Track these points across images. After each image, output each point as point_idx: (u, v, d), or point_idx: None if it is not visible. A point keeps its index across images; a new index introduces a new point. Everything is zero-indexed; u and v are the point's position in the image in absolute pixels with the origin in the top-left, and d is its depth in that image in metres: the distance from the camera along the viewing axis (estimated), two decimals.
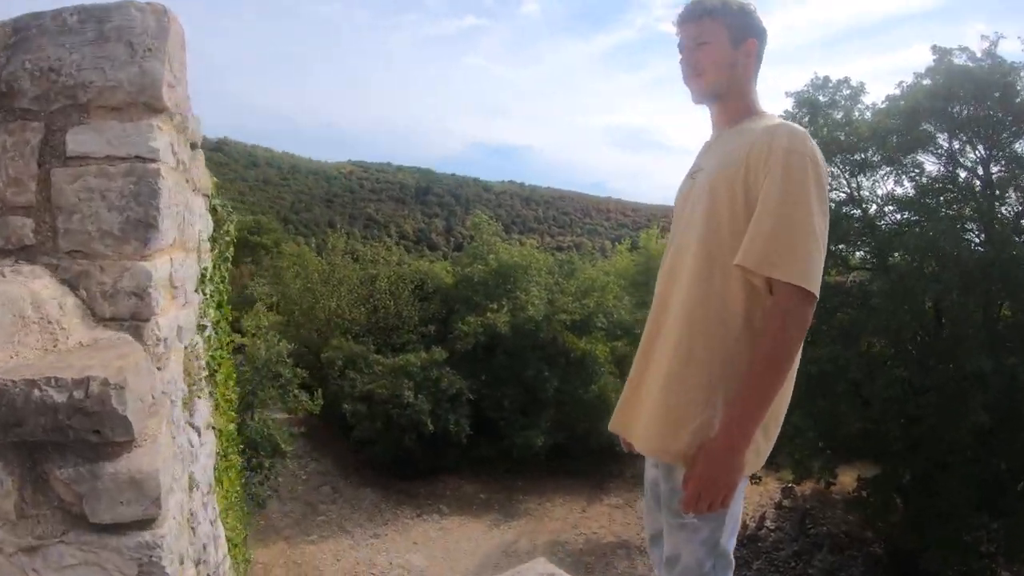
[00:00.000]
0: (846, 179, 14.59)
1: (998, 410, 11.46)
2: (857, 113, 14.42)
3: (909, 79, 14.01)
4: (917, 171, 14.22)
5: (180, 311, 2.41)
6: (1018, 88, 12.56)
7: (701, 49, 1.95)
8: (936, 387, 12.25)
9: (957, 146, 13.94)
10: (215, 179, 3.97)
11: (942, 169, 14.15)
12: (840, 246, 14.23)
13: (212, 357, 3.34)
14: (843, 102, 14.49)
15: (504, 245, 20.01)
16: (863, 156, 14.07)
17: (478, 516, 14.84)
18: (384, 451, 15.26)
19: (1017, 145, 13.39)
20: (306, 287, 18.48)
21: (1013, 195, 13.63)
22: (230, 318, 5.07)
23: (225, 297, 4.50)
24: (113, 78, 1.75)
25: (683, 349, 1.84)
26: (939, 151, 14.03)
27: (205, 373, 3.28)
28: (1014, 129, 13.03)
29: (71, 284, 1.74)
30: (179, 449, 1.95)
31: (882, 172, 14.49)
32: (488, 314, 16.83)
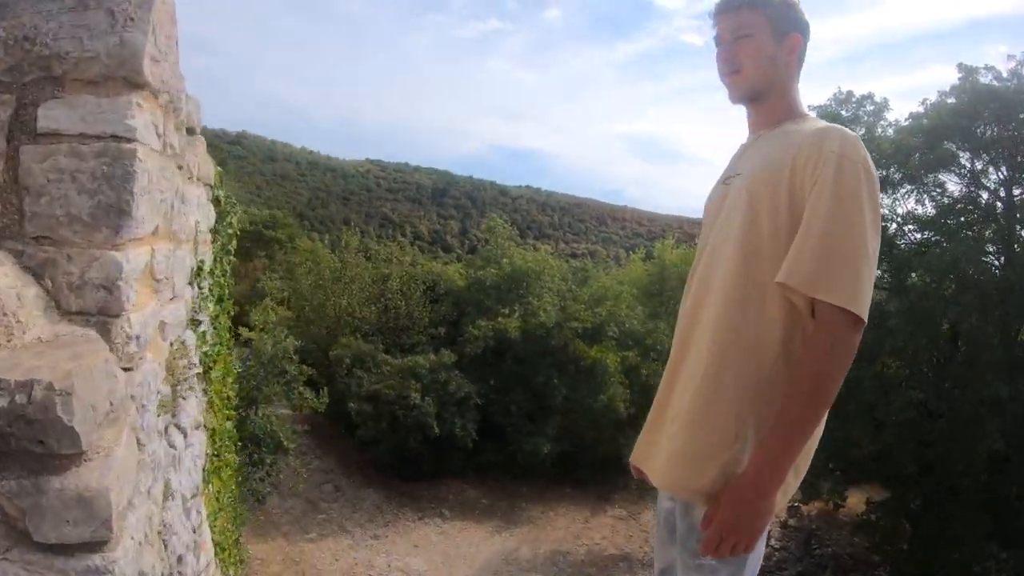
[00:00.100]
0: None
1: (1014, 437, 11.23)
2: (880, 130, 14.23)
3: (932, 97, 13.83)
4: (939, 191, 14.00)
5: (167, 306, 2.25)
6: None
7: (740, 43, 1.77)
8: (951, 411, 12.01)
9: (980, 166, 13.73)
10: (219, 169, 3.83)
11: (964, 189, 13.93)
12: None
13: (206, 354, 3.19)
14: (866, 118, 14.29)
15: (518, 250, 19.87)
16: (884, 174, 13.81)
17: (480, 522, 14.67)
18: (388, 452, 15.11)
19: None
20: (317, 284, 18.37)
21: None
22: (232, 313, 4.93)
23: (227, 291, 4.36)
24: (91, 48, 1.59)
25: (712, 376, 1.65)
26: (962, 171, 13.81)
27: (197, 370, 3.13)
28: None
29: (36, 273, 1.58)
30: (150, 457, 1.79)
31: (903, 191, 14.29)
32: (499, 318, 16.66)
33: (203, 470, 3.27)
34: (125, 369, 1.65)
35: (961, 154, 13.61)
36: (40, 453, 1.24)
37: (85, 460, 1.26)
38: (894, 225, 14.46)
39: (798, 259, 1.53)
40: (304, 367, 12.12)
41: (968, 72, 13.11)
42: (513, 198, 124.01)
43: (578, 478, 16.38)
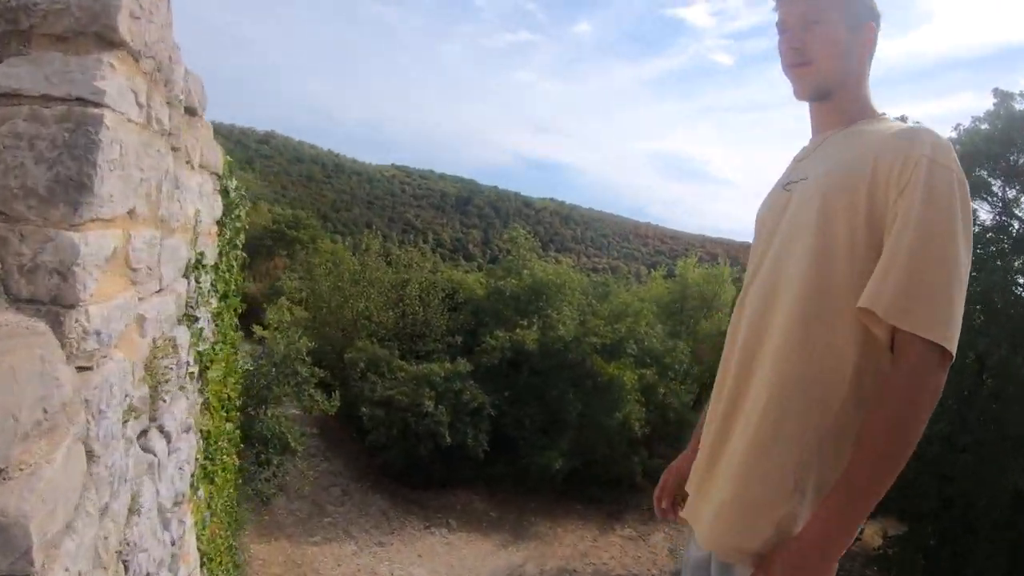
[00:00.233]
0: None
1: None
2: None
3: (966, 123, 13.48)
4: None
5: (150, 299, 2.05)
6: None
7: (811, 30, 1.52)
8: (975, 444, 11.62)
9: (1012, 195, 13.32)
10: (229, 159, 3.64)
11: (996, 218, 13.54)
12: None
13: (200, 353, 2.98)
14: None
15: (540, 262, 19.66)
16: None
17: (487, 534, 14.41)
18: (398, 458, 14.89)
19: None
20: (336, 285, 18.25)
21: None
22: (240, 310, 4.75)
23: (232, 287, 4.17)
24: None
25: (771, 418, 1.41)
26: (993, 199, 13.42)
27: (191, 370, 2.93)
28: None
29: None
30: (109, 470, 1.57)
31: None
32: (517, 330, 16.45)
33: (192, 476, 3.07)
34: (82, 368, 1.44)
35: (993, 181, 13.25)
36: None
37: (3, 479, 1.05)
38: None
39: (884, 282, 1.29)
40: (316, 369, 11.97)
41: (1004, 97, 12.74)
42: (536, 210, 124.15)
43: (588, 495, 16.06)
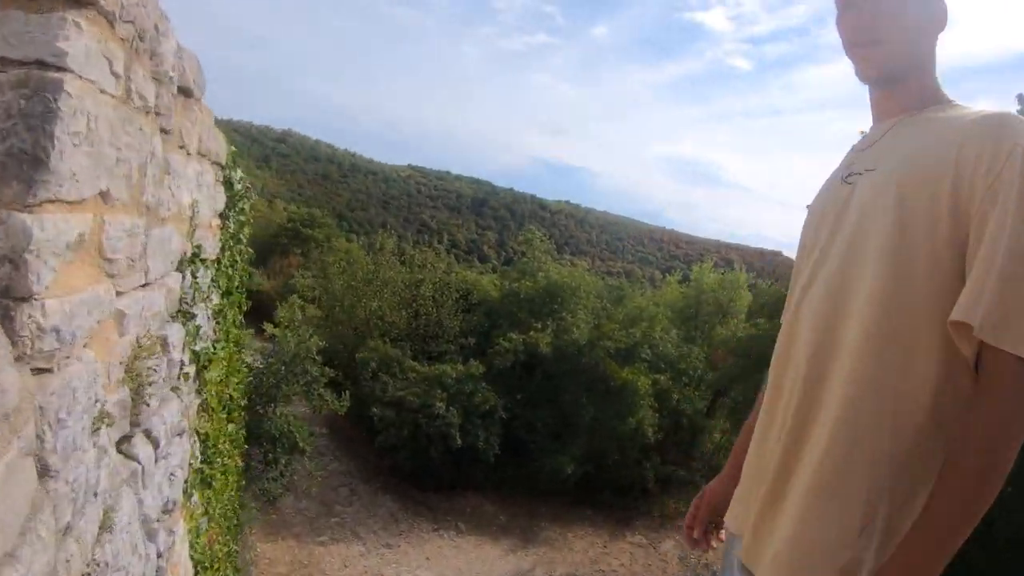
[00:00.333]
0: None
1: None
2: None
3: None
4: None
5: (133, 293, 1.88)
6: None
7: (880, 7, 1.33)
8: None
9: None
10: (233, 148, 3.48)
11: None
12: None
13: (195, 352, 2.82)
14: None
15: (554, 264, 19.51)
16: None
17: (496, 539, 14.24)
18: (408, 459, 14.76)
19: None
20: (349, 284, 18.15)
21: None
22: (246, 307, 4.60)
23: (236, 283, 4.00)
24: None
25: (838, 447, 1.21)
26: None
27: (185, 370, 2.77)
28: None
29: None
30: (71, 485, 1.40)
31: None
32: (531, 332, 16.27)
33: (185, 482, 2.90)
34: (39, 371, 1.27)
35: None
36: None
37: None
38: None
39: (980, 293, 1.10)
40: (326, 369, 11.85)
41: None
42: (551, 212, 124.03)
43: (599, 500, 15.87)
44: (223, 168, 3.26)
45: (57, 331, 1.29)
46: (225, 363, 3.84)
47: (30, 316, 1.21)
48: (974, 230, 1.14)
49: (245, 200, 3.77)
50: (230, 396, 4.16)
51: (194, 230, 2.67)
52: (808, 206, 1.50)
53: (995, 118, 1.19)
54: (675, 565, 14.41)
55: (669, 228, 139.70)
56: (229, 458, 4.44)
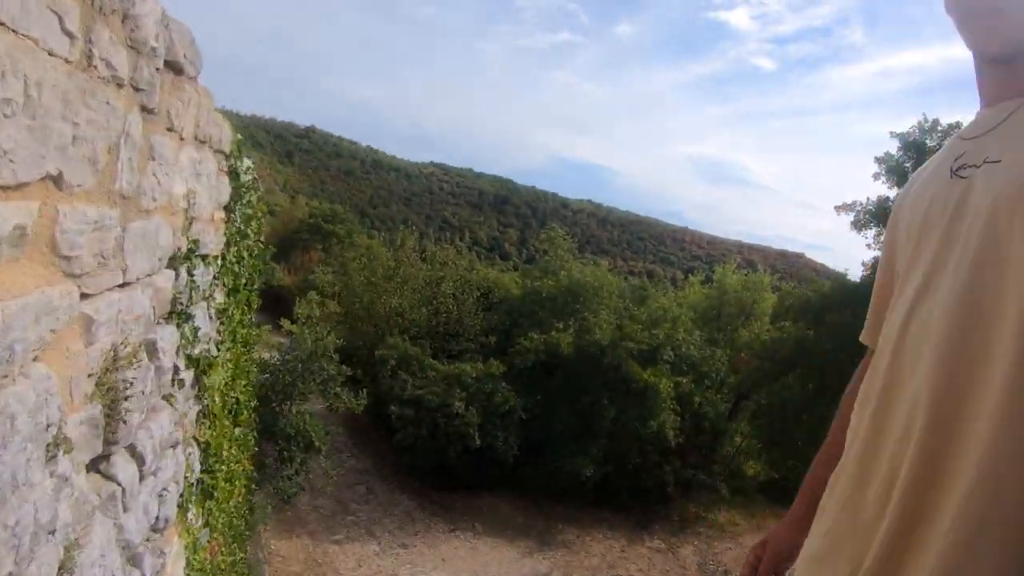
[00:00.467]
0: None
1: None
2: None
3: None
4: None
5: (108, 295, 1.65)
6: None
7: None
8: None
9: None
10: (239, 137, 3.24)
11: None
12: None
13: (190, 357, 2.59)
14: None
15: (577, 263, 19.26)
16: None
17: (513, 540, 14.03)
18: (426, 458, 14.60)
19: None
20: (370, 281, 18.01)
21: None
22: (256, 305, 4.38)
23: (243, 281, 3.78)
24: None
25: (979, 501, 0.93)
26: None
27: (180, 376, 2.54)
28: None
29: None
30: (11, 530, 1.16)
31: None
32: (552, 332, 16.06)
33: (180, 496, 2.68)
34: None
35: None
36: None
37: None
38: None
39: None
40: (343, 367, 11.71)
41: None
42: (574, 211, 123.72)
43: (618, 503, 15.63)
44: (227, 157, 3.04)
45: None
46: (231, 365, 3.62)
47: None
48: None
49: (253, 192, 3.55)
50: (236, 400, 3.94)
51: (190, 224, 2.44)
52: (910, 205, 1.22)
53: None
54: (694, 571, 14.16)
55: (691, 228, 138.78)
56: (236, 463, 4.22)
